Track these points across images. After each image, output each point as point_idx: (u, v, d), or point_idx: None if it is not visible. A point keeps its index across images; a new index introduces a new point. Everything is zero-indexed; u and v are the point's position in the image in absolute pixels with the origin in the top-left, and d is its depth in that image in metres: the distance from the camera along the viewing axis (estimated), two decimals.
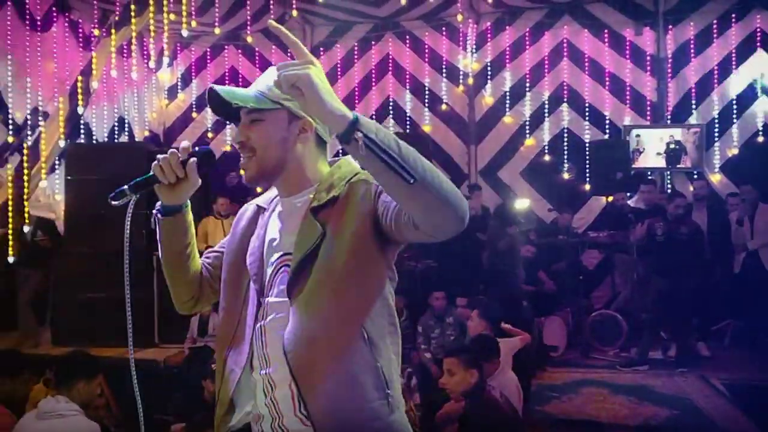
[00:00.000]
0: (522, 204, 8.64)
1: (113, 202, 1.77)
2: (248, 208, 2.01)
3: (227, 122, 1.99)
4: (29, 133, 8.48)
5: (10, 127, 8.43)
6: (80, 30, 9.83)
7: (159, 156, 1.79)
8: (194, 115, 12.23)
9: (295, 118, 1.81)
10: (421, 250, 8.32)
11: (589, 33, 10.67)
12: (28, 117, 8.75)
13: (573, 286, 8.46)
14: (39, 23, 9.03)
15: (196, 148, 1.84)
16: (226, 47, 12.13)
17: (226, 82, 12.18)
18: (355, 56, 11.86)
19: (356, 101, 11.86)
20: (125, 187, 1.75)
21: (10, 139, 8.39)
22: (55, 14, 9.30)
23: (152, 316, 7.73)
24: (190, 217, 1.96)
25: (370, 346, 1.71)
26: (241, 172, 1.90)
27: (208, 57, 12.27)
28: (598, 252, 9.54)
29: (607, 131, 10.55)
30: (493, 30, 11.19)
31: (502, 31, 11.14)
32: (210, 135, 12.13)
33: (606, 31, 10.57)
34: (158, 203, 1.92)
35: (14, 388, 4.94)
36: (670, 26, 10.35)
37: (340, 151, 1.69)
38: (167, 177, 1.79)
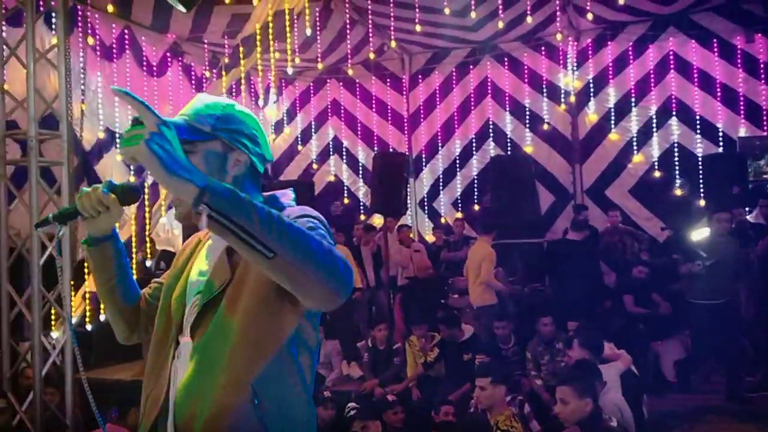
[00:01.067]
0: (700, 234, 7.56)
1: (38, 229, 1.80)
2: (192, 241, 1.94)
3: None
4: (149, 173, 9.02)
5: (132, 167, 9.02)
6: (192, 72, 10.43)
7: (83, 189, 1.78)
8: (300, 147, 12.67)
9: (229, 148, 1.72)
10: (529, 273, 8.20)
11: (697, 43, 10.27)
12: None
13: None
14: (155, 68, 9.66)
15: (118, 183, 1.79)
16: (328, 81, 12.52)
17: (329, 114, 12.56)
18: (454, 81, 11.93)
19: (456, 126, 11.92)
20: (50, 215, 1.77)
21: (132, 179, 8.97)
22: (169, 59, 9.93)
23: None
24: (119, 246, 1.91)
25: (260, 409, 1.58)
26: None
27: (312, 91, 12.70)
28: None
29: (721, 144, 10.08)
30: (595, 46, 10.98)
31: (603, 47, 10.91)
32: (315, 166, 12.52)
33: (714, 40, 10.14)
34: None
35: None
36: None
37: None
38: (88, 211, 1.75)
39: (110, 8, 7.67)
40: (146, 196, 7.31)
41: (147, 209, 7.26)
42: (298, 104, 12.80)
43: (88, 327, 7.79)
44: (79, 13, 8.09)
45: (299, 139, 12.73)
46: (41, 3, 6.37)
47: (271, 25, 6.94)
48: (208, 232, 1.73)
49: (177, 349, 1.73)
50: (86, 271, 7.64)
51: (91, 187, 1.75)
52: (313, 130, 12.72)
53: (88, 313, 7.82)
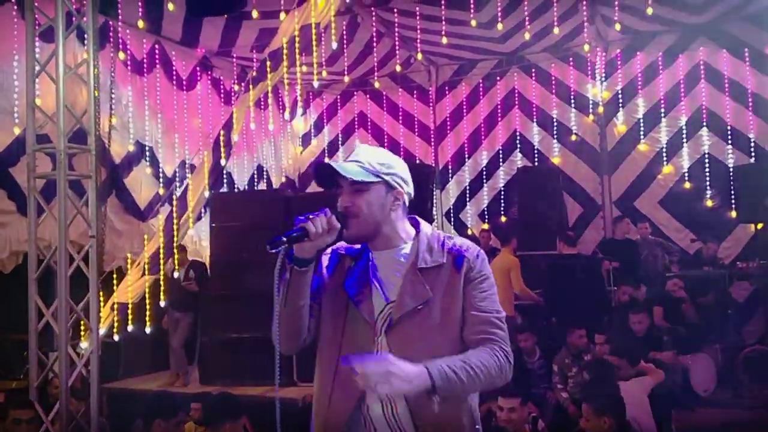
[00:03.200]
0: None
1: (271, 249, 1.98)
2: (329, 255, 2.32)
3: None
4: (178, 184, 9.15)
5: (161, 180, 9.16)
6: (221, 86, 10.58)
7: (310, 215, 2.04)
8: (327, 160, 12.71)
9: (391, 188, 2.18)
10: (552, 286, 8.12)
11: (728, 53, 10.14)
12: (177, 170, 9.47)
13: (722, 320, 7.93)
14: (185, 83, 9.81)
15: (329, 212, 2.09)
16: (355, 93, 12.58)
17: (356, 126, 12.62)
18: (481, 92, 11.93)
19: (482, 137, 11.90)
20: (284, 237, 1.98)
21: (161, 191, 9.11)
22: (198, 73, 10.09)
23: (291, 355, 7.98)
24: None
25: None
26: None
27: (339, 104, 12.77)
28: (748, 284, 8.90)
29: (753, 154, 9.91)
30: (623, 57, 10.90)
31: (632, 57, 10.83)
32: None
33: (746, 49, 10.00)
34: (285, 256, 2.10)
35: (168, 429, 5.26)
36: None
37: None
38: (317, 233, 2.03)
39: (141, 24, 7.81)
40: (174, 208, 7.41)
41: (175, 220, 7.35)
42: (325, 117, 12.88)
43: (116, 338, 7.92)
44: (111, 28, 8.26)
45: (326, 151, 12.80)
46: (73, 18, 6.50)
47: (297, 38, 7.01)
48: (351, 248, 2.27)
49: (375, 348, 2.12)
50: (114, 282, 7.77)
51: (320, 213, 2.06)
52: (340, 142, 12.78)
53: (116, 324, 7.94)
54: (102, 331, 8.18)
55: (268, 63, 7.26)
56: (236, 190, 10.66)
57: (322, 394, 2.18)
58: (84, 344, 8.05)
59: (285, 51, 7.06)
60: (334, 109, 12.82)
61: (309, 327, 2.21)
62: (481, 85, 11.93)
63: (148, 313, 7.48)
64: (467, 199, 12.13)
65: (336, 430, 2.11)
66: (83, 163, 7.54)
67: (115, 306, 8.15)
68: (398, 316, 2.10)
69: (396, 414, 2.08)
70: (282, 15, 7.27)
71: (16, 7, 7.14)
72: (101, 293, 8.04)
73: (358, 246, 2.25)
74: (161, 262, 7.42)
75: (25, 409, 4.93)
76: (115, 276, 8.09)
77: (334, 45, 8.02)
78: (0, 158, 7.00)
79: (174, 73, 9.59)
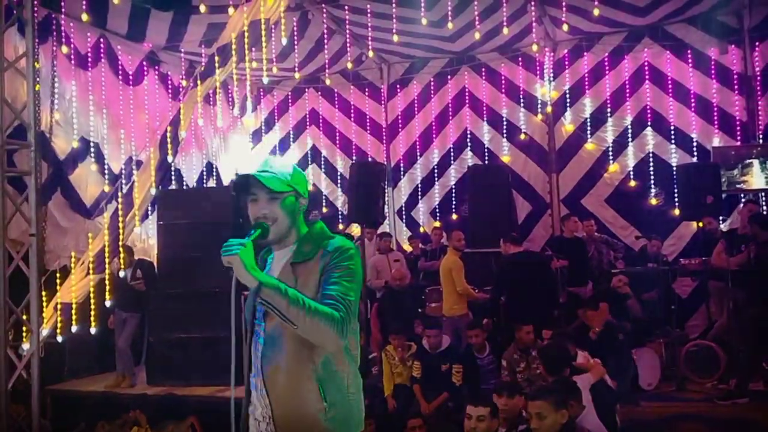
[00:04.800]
0: None
1: (225, 254, 2.26)
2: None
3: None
4: (124, 182, 8.96)
5: (106, 177, 8.95)
6: (169, 82, 10.39)
7: (241, 242, 2.31)
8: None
9: (300, 196, 2.53)
10: (502, 283, 8.20)
11: (672, 54, 10.40)
12: (123, 167, 9.27)
13: (666, 316, 8.14)
14: (131, 77, 9.61)
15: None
16: (306, 90, 12.51)
17: (307, 123, 12.55)
18: (432, 91, 11.98)
19: (434, 135, 11.96)
20: (246, 239, 2.31)
21: (107, 188, 8.90)
22: (145, 68, 9.88)
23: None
24: None
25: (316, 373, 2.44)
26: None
27: (290, 100, 12.68)
28: (690, 280, 9.16)
29: (695, 154, 10.20)
30: (571, 57, 11.08)
31: (579, 58, 11.02)
32: None
33: (689, 51, 10.28)
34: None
35: (112, 431, 5.15)
36: (757, 43, 9.95)
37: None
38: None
39: (85, 17, 7.61)
40: (120, 206, 7.25)
41: (120, 218, 7.19)
42: (276, 114, 12.77)
43: (60, 338, 7.69)
44: (53, 21, 8.03)
45: (278, 148, 12.69)
46: (13, 11, 6.30)
47: (246, 34, 6.93)
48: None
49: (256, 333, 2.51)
50: (58, 281, 7.57)
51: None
52: (291, 139, 12.70)
53: (59, 325, 7.71)
54: (45, 331, 7.95)
55: (217, 58, 7.17)
56: (185, 187, 10.49)
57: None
58: (26, 345, 7.81)
59: (234, 46, 6.97)
60: (286, 106, 12.72)
61: None
62: (432, 83, 11.99)
63: (93, 313, 7.29)
64: (419, 197, 12.17)
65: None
66: (25, 159, 7.34)
67: (59, 306, 7.92)
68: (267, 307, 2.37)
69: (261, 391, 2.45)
70: (231, 10, 7.18)
71: None
72: (44, 293, 7.85)
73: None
74: (107, 260, 7.25)
75: None
76: (59, 275, 7.87)
77: (284, 41, 7.95)
78: None
79: (120, 67, 9.38)
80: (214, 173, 11.50)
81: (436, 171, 12.04)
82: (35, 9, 7.33)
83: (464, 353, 7.29)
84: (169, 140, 7.11)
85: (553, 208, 11.01)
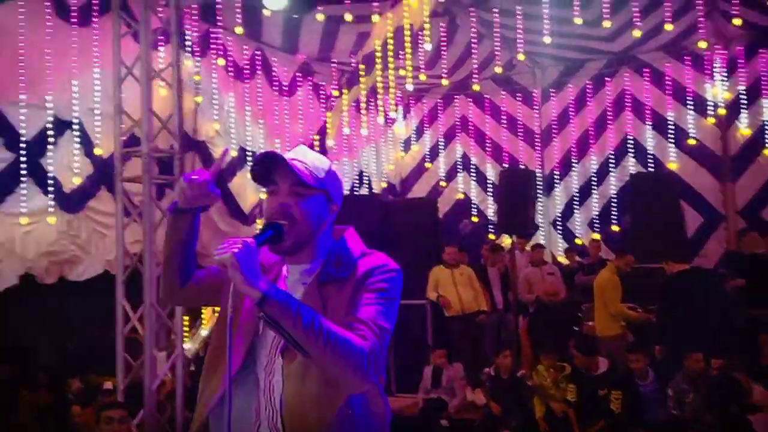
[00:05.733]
0: None
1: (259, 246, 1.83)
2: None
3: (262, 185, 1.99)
4: None
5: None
6: (322, 91, 10.57)
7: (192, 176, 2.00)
8: (428, 165, 12.51)
9: (330, 200, 2.01)
10: (668, 303, 7.51)
11: None
12: None
13: None
14: (286, 88, 9.86)
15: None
16: (456, 97, 12.30)
17: (457, 130, 12.35)
18: (588, 94, 11.37)
19: (591, 140, 11.36)
20: (260, 239, 1.84)
21: (263, 196, 9.16)
22: (299, 79, 10.12)
23: (388, 363, 7.80)
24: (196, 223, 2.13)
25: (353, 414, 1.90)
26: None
27: (440, 108, 12.53)
28: None
29: None
30: (746, 54, 10.05)
31: (755, 55, 9.98)
32: (443, 184, 12.31)
33: None
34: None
35: None
36: None
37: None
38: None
39: (239, 30, 7.87)
40: None
41: None
42: (426, 121, 12.67)
43: None
44: (212, 35, 8.39)
45: (427, 156, 12.57)
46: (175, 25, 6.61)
47: (390, 41, 6.83)
48: (277, 259, 2.05)
49: (269, 366, 1.96)
50: None
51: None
52: (441, 147, 12.54)
53: None
54: (205, 332, 8.34)
55: (361, 67, 7.13)
56: None
57: (204, 385, 2.04)
58: (188, 345, 8.22)
59: (378, 54, 6.89)
60: (435, 113, 12.58)
61: (184, 284, 2.14)
62: (588, 86, 11.38)
63: None
64: (575, 207, 11.58)
65: (200, 419, 2.01)
66: (188, 165, 7.74)
67: (216, 308, 8.24)
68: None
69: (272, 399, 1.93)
70: (375, 17, 7.12)
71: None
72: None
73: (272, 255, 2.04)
74: None
75: (117, 409, 4.99)
76: None
77: (428, 47, 7.77)
78: (106, 164, 7.16)
79: (275, 78, 9.66)
80: (366, 181, 11.58)
81: (594, 179, 11.40)
82: (196, 24, 7.73)
83: (624, 378, 6.72)
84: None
85: (729, 221, 10.06)
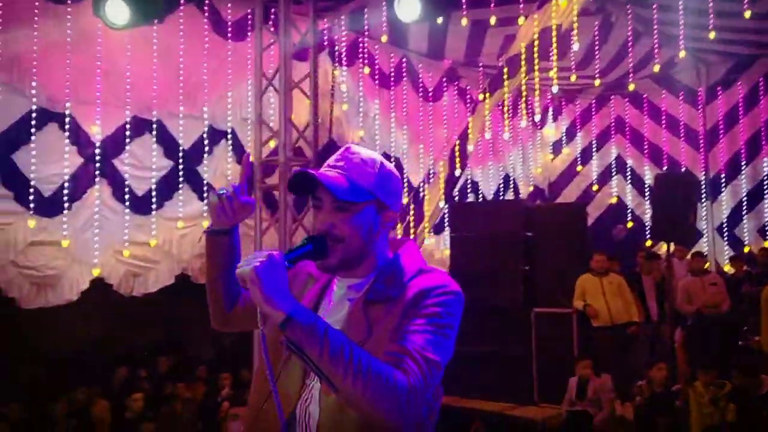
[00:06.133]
0: None
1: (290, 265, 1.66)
2: (300, 278, 1.91)
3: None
4: (422, 194, 9.33)
5: (405, 190, 9.35)
6: (468, 96, 10.55)
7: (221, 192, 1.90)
8: (579, 168, 12.10)
9: (381, 209, 1.76)
10: None
11: None
12: (421, 181, 9.62)
13: None
14: (431, 94, 9.94)
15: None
16: (611, 97, 11.80)
17: (612, 132, 11.86)
18: (762, 91, 10.48)
19: (763, 141, 10.56)
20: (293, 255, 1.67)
21: (404, 201, 9.31)
22: (445, 84, 10.16)
23: (531, 373, 7.63)
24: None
25: None
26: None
27: (593, 109, 12.07)
28: None
29: None
30: None
31: None
32: (595, 188, 11.86)
33: None
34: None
35: None
36: None
37: None
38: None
39: (384, 38, 8.03)
40: (411, 218, 7.49)
41: (411, 230, 7.43)
42: (578, 123, 12.26)
43: None
44: (360, 44, 8.63)
45: (578, 158, 12.16)
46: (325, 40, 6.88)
47: (536, 43, 6.69)
48: (320, 272, 1.82)
49: (305, 391, 1.75)
50: None
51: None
52: (594, 149, 12.07)
53: None
54: None
55: (505, 69, 7.03)
56: (481, 199, 10.55)
57: (251, 410, 1.83)
58: None
59: (523, 56, 6.77)
60: (589, 115, 12.14)
61: (231, 307, 2.03)
62: (762, 82, 10.47)
63: None
64: (744, 212, 10.72)
65: None
66: None
67: None
68: None
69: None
70: (521, 20, 6.99)
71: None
72: None
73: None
74: None
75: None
76: None
77: (576, 47, 7.51)
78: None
79: (421, 84, 9.76)
80: (512, 185, 11.40)
81: (766, 182, 10.49)
82: (344, 34, 7.99)
83: None
84: (457, 154, 7.16)
85: None
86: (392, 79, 9.29)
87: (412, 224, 7.48)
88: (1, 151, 6.09)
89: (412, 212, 7.49)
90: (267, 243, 6.08)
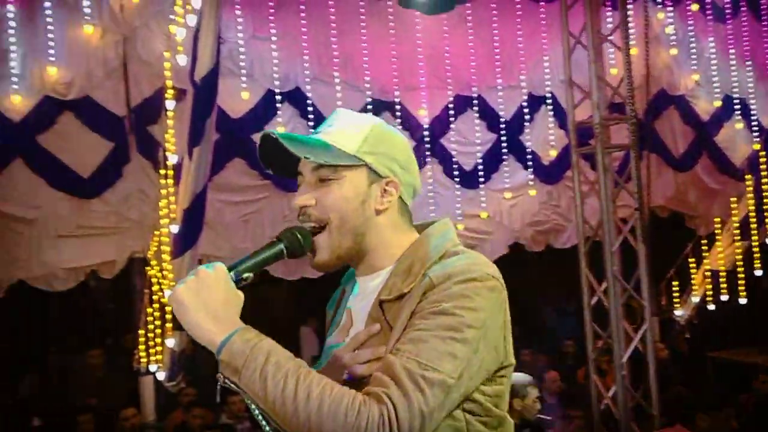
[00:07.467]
0: None
1: None
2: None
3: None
4: None
5: (755, 133, 8.17)
6: None
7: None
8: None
9: (377, 176, 1.40)
10: None
11: None
12: None
13: None
14: None
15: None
16: None
17: None
18: None
19: None
20: None
21: (756, 147, 8.17)
22: None
23: None
24: None
25: None
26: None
27: None
28: None
29: None
30: None
31: None
32: None
33: None
34: None
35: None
36: None
37: None
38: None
39: None
40: None
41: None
42: None
43: (711, 306, 7.51)
44: None
45: None
46: None
47: None
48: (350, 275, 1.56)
49: None
50: (703, 248, 7.31)
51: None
52: None
53: (710, 293, 7.57)
54: (696, 299, 7.96)
55: None
56: None
57: None
58: (679, 312, 7.97)
59: None
60: None
61: None
62: None
63: (740, 282, 6.87)
64: None
65: None
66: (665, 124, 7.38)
67: (708, 273, 7.77)
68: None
69: None
70: None
71: None
72: (691, 259, 7.80)
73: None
74: (751, 227, 6.67)
75: None
76: (705, 241, 7.71)
77: None
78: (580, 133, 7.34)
79: (764, 10, 8.41)
80: None
81: None
82: None
83: None
84: None
85: None
86: (728, 10, 8.16)
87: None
88: None
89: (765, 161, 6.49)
90: (587, 213, 5.81)
